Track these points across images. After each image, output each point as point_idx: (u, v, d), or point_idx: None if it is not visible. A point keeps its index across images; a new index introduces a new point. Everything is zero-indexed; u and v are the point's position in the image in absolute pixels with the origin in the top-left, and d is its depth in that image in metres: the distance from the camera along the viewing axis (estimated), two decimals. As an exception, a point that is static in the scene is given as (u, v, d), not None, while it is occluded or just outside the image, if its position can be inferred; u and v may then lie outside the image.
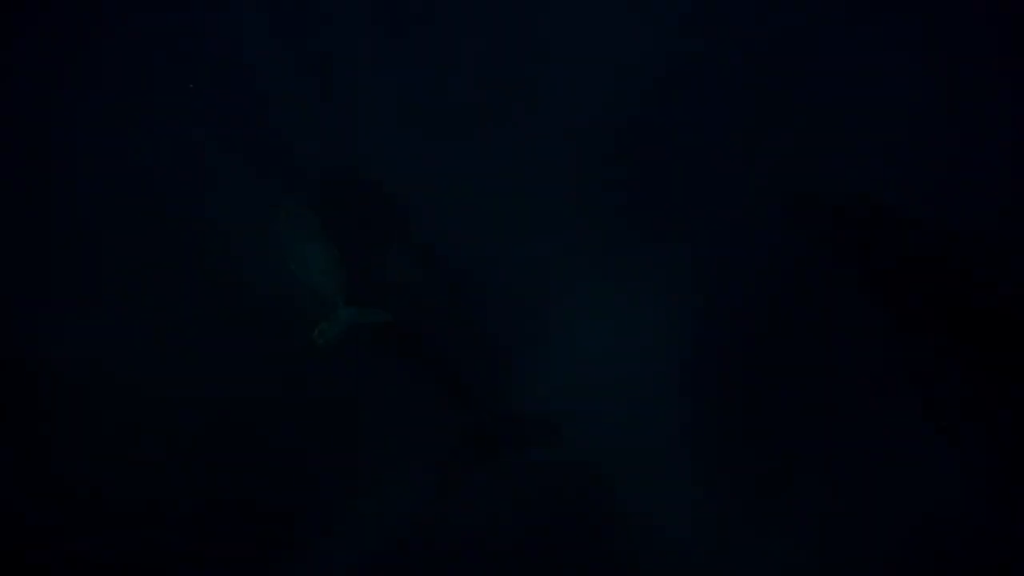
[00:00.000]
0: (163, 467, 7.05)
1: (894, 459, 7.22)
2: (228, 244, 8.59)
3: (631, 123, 10.12)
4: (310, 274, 6.68)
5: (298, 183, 8.49)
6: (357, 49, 11.30)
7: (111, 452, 6.99)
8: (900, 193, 6.49)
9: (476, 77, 11.08)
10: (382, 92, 11.22)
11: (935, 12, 8.94)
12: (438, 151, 10.56)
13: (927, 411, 5.59)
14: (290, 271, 6.93)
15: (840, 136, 8.76)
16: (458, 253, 8.57)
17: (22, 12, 10.14)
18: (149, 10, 10.53)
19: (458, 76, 11.10)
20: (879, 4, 9.38)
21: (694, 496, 7.93)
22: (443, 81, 11.21)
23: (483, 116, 10.79)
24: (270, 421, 7.51)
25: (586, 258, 9.88)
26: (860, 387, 7.55)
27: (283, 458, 7.46)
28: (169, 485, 7.00)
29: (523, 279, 9.45)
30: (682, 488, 7.99)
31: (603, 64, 10.08)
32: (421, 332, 6.73)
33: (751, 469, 7.91)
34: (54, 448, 6.97)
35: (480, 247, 9.39)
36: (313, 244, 6.90)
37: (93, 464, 6.93)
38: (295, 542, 7.44)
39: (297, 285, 6.90)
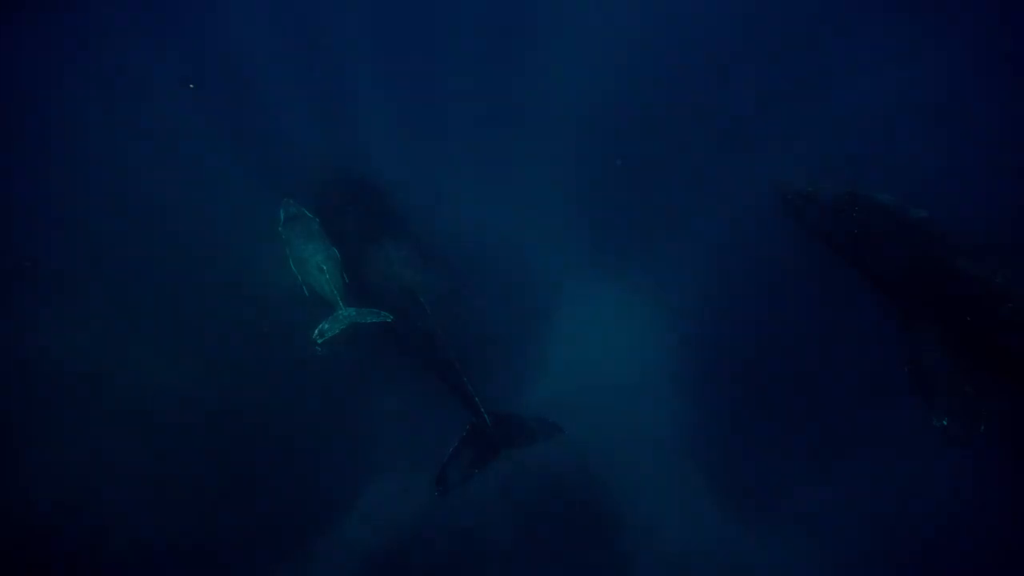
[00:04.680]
0: (164, 467, 7.06)
1: (892, 458, 7.22)
2: (229, 244, 8.61)
3: (629, 126, 10.12)
4: (310, 274, 6.69)
5: (299, 184, 8.50)
6: (358, 50, 11.33)
7: (112, 452, 7.01)
8: (896, 192, 6.50)
9: (476, 80, 11.10)
10: (383, 94, 11.25)
11: (933, 16, 8.96)
12: (438, 152, 10.58)
13: (925, 409, 5.59)
14: (291, 272, 6.94)
15: (837, 136, 8.78)
16: (458, 253, 8.59)
17: (24, 12, 10.17)
18: (151, 11, 10.57)
19: (458, 79, 11.13)
20: (878, 8, 9.40)
21: (693, 495, 7.94)
22: (443, 83, 11.23)
23: (483, 118, 10.81)
24: (270, 421, 7.52)
25: (586, 259, 9.90)
26: (859, 387, 7.55)
27: (283, 458, 7.47)
28: (171, 485, 7.01)
29: (523, 279, 9.47)
30: (681, 487, 8.00)
31: (602, 65, 10.09)
32: (421, 332, 6.73)
33: (750, 468, 7.91)
34: (56, 447, 6.99)
35: (480, 247, 9.42)
36: (313, 245, 6.91)
37: (96, 464, 6.95)
38: (296, 541, 7.45)
39: (298, 286, 6.92)
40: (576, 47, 10.26)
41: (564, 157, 10.07)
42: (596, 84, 10.01)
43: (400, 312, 6.73)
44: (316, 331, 6.37)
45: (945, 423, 5.56)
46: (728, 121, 9.69)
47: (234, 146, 9.85)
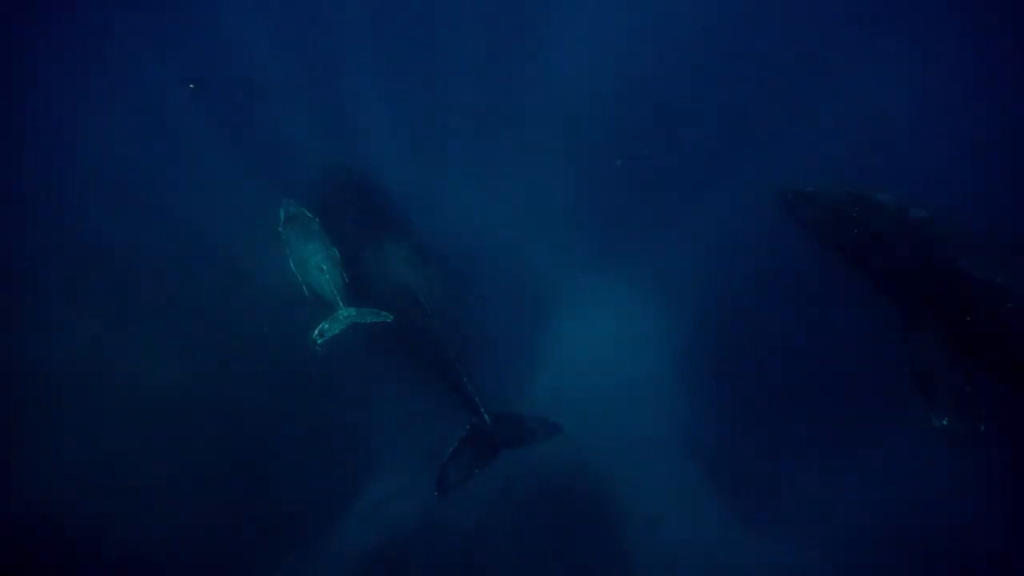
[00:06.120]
0: (164, 467, 7.06)
1: (893, 457, 7.22)
2: (229, 244, 8.61)
3: (629, 126, 10.13)
4: (310, 274, 6.69)
5: (299, 184, 8.51)
6: (358, 51, 11.33)
7: (112, 452, 7.01)
8: (896, 192, 6.52)
9: (475, 80, 11.11)
10: (383, 93, 11.25)
11: (931, 19, 8.97)
12: (438, 152, 10.58)
13: (925, 409, 5.60)
14: (291, 272, 6.95)
15: (837, 136, 8.78)
16: (458, 253, 8.59)
17: (25, 12, 10.17)
18: (152, 11, 10.57)
19: (458, 79, 11.13)
20: (877, 10, 9.41)
21: (694, 495, 7.93)
22: (443, 84, 11.23)
23: (483, 118, 10.81)
24: (270, 421, 7.52)
25: (586, 258, 9.89)
26: (859, 386, 7.55)
27: (283, 458, 7.47)
28: (170, 485, 7.01)
29: (523, 278, 9.46)
30: (682, 486, 7.99)
31: (603, 65, 10.09)
32: (421, 332, 6.73)
33: (751, 467, 7.91)
34: (56, 447, 6.99)
35: (480, 247, 9.41)
36: (313, 245, 6.91)
37: (95, 464, 6.95)
38: (296, 541, 7.45)
39: (298, 286, 6.93)
40: (577, 46, 10.26)
41: (564, 156, 10.06)
42: (596, 84, 10.01)
43: (400, 312, 6.73)
44: (316, 331, 6.36)
45: (945, 423, 5.57)
46: (728, 121, 9.69)
47: (234, 146, 9.85)
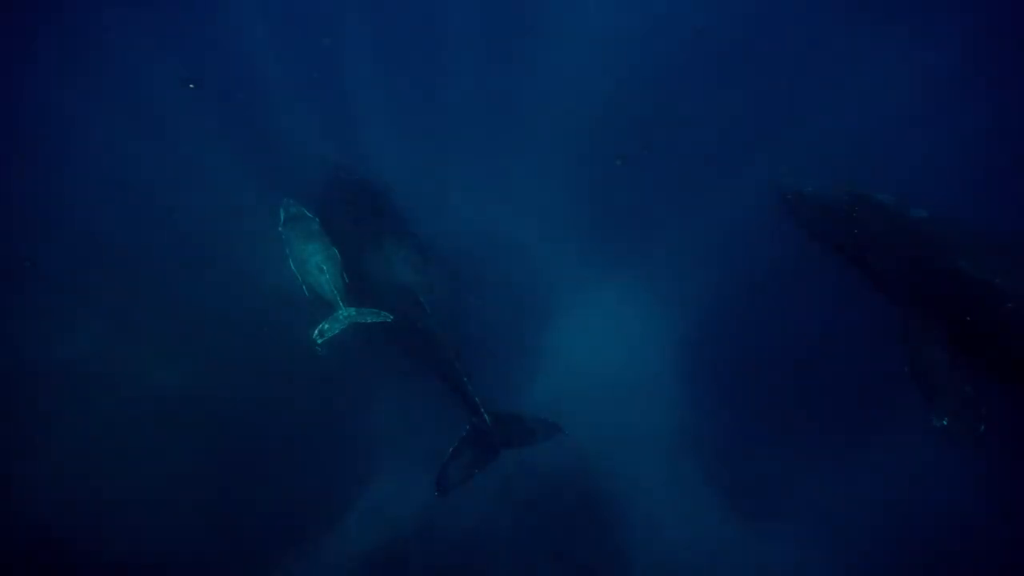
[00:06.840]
0: (165, 467, 7.06)
1: (892, 458, 7.22)
2: (228, 245, 8.61)
3: (629, 126, 10.12)
4: (310, 274, 6.69)
5: (299, 184, 8.51)
6: (357, 51, 11.34)
7: (113, 452, 7.01)
8: (896, 192, 6.52)
9: (475, 79, 11.11)
10: (383, 93, 11.26)
11: (931, 19, 8.96)
12: (438, 152, 10.59)
13: (925, 409, 5.60)
14: (291, 272, 6.96)
15: (837, 136, 8.78)
16: (458, 253, 8.59)
17: (25, 12, 10.17)
18: (152, 11, 10.57)
19: (458, 79, 11.14)
20: (877, 10, 9.41)
21: (694, 495, 7.94)
22: (443, 83, 11.24)
23: (483, 118, 10.82)
24: (270, 421, 7.52)
25: (586, 258, 9.90)
26: (859, 386, 7.55)
27: (283, 457, 7.47)
28: (171, 485, 7.01)
29: (523, 279, 9.47)
30: (682, 486, 8.00)
31: (603, 65, 10.09)
32: (421, 332, 6.73)
33: (750, 467, 7.92)
34: (56, 447, 6.99)
35: (480, 247, 9.42)
36: (313, 245, 6.92)
37: (96, 464, 6.95)
38: (296, 541, 7.45)
39: (298, 286, 6.93)
40: (576, 47, 10.26)
41: (564, 157, 10.06)
42: (596, 84, 10.01)
43: (400, 312, 6.72)
44: (316, 331, 6.36)
45: (945, 423, 5.56)
46: (728, 121, 9.69)
47: (234, 146, 9.85)
